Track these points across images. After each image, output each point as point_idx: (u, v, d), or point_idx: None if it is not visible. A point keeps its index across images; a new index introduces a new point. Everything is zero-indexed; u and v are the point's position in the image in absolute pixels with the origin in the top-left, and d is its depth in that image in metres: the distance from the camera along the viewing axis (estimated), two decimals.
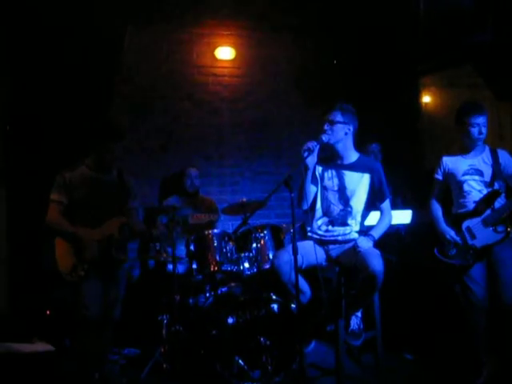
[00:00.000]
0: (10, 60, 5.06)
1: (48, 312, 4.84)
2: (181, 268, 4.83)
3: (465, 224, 4.05)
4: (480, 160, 4.08)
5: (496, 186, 4.03)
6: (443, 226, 4.14)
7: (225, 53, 6.27)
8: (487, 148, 4.11)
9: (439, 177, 4.22)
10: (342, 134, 4.03)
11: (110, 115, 5.43)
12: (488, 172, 4.04)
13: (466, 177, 4.07)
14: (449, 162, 4.17)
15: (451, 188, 4.19)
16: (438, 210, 4.22)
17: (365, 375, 4.31)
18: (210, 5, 6.02)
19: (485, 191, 4.03)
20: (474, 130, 4.02)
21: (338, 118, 4.02)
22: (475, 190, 4.05)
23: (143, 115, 5.94)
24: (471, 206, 4.05)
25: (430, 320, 4.83)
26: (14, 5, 4.96)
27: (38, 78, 5.10)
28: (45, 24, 5.00)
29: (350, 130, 4.04)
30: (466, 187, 4.07)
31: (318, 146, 3.90)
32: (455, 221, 4.11)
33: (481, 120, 4.01)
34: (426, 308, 4.89)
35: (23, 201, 4.90)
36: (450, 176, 4.16)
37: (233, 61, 6.32)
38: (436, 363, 4.50)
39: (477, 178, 4.05)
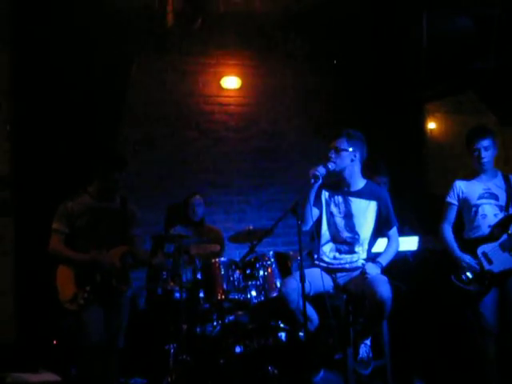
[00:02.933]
0: (16, 88, 5.13)
1: (55, 342, 4.82)
2: (184, 293, 4.80)
3: (480, 249, 4.01)
4: (493, 184, 4.09)
5: (511, 210, 4.02)
6: (458, 251, 4.08)
7: (230, 82, 6.33)
8: (499, 173, 4.14)
9: (452, 200, 4.19)
10: (347, 161, 4.01)
11: (111, 145, 5.45)
12: (503, 196, 4.04)
13: (482, 200, 4.07)
14: (462, 185, 4.16)
15: (463, 212, 4.17)
16: (450, 234, 4.17)
17: None
18: (216, 35, 6.10)
19: (500, 215, 4.02)
20: (476, 154, 4.05)
21: (344, 145, 4.01)
22: (491, 214, 4.04)
23: (149, 144, 5.99)
24: (486, 230, 4.04)
25: (440, 347, 4.78)
26: (22, 30, 5.03)
27: (44, 107, 5.15)
28: (52, 54, 5.06)
29: (356, 156, 4.02)
30: (481, 211, 4.06)
31: (324, 173, 3.91)
32: (469, 245, 4.08)
33: (482, 144, 4.03)
34: (436, 335, 4.84)
35: (31, 230, 4.91)
36: (463, 200, 4.14)
37: (238, 90, 6.38)
38: None
39: (492, 202, 4.05)
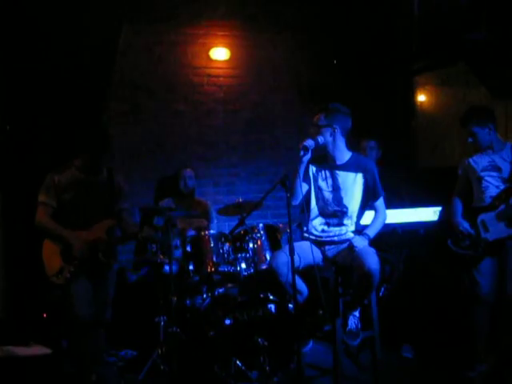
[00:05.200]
0: (3, 63, 5.04)
1: (45, 315, 4.83)
2: (174, 267, 4.80)
3: (480, 217, 4.14)
4: (499, 157, 4.17)
5: None
6: (458, 217, 4.26)
7: (220, 53, 6.25)
8: (508, 145, 4.22)
9: (460, 172, 4.37)
10: (327, 136, 4.02)
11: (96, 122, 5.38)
12: (506, 169, 4.13)
13: (485, 173, 4.18)
14: (471, 160, 4.29)
15: (472, 184, 4.28)
16: (457, 203, 4.34)
17: (362, 375, 4.31)
18: (205, 6, 6.01)
19: (502, 187, 4.11)
20: (467, 138, 4.23)
21: (321, 121, 4.02)
22: (493, 185, 4.15)
23: (138, 116, 5.93)
24: (488, 200, 4.15)
25: (429, 318, 4.85)
26: (6, 6, 4.93)
27: (31, 80, 5.07)
28: (38, 25, 4.98)
29: (335, 131, 4.01)
30: (484, 183, 4.18)
31: (313, 146, 3.91)
32: (472, 214, 4.21)
33: (468, 130, 4.20)
34: (424, 306, 4.90)
35: (18, 203, 4.88)
36: (470, 172, 4.27)
37: (228, 61, 6.31)
38: (434, 361, 4.51)
39: (495, 174, 4.15)
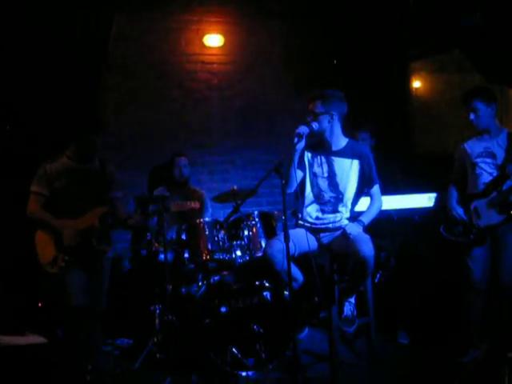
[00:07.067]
0: None
1: (40, 304, 4.82)
2: (169, 255, 4.80)
3: (473, 204, 4.15)
4: (495, 143, 4.15)
5: (507, 169, 4.08)
6: (452, 203, 4.27)
7: (213, 40, 6.21)
8: (505, 131, 4.19)
9: (456, 156, 4.36)
10: (325, 123, 4.00)
11: (89, 107, 5.34)
12: (501, 155, 4.11)
13: (479, 159, 4.17)
14: (466, 145, 4.27)
15: (467, 169, 4.27)
16: (452, 189, 4.34)
17: (358, 361, 4.33)
18: None
19: (495, 174, 4.10)
20: (469, 115, 4.15)
21: (319, 108, 3.98)
22: (486, 172, 4.13)
23: (132, 104, 5.89)
24: (481, 187, 4.14)
25: (424, 304, 4.86)
26: None
27: (21, 66, 5.02)
28: (30, 10, 4.92)
29: (333, 118, 3.99)
30: (477, 169, 4.16)
31: (308, 132, 3.88)
32: (466, 200, 4.21)
33: (470, 106, 4.13)
34: (420, 292, 4.92)
35: (9, 191, 4.85)
36: (466, 158, 4.25)
37: (221, 48, 6.27)
38: (429, 347, 4.52)
39: (489, 160, 4.14)
